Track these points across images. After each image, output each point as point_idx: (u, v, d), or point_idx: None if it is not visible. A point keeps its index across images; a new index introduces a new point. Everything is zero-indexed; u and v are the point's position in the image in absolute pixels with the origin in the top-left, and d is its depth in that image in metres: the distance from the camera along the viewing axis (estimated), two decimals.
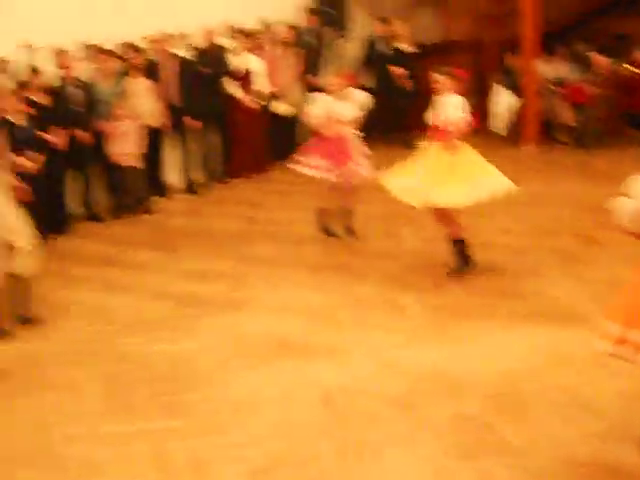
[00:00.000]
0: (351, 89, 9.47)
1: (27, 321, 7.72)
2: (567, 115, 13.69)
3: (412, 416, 5.94)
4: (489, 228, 9.76)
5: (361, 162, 9.43)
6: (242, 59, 12.24)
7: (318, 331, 7.39)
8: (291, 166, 9.61)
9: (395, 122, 13.77)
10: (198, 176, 12.29)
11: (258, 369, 6.77)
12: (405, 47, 13.80)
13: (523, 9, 13.39)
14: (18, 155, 9.11)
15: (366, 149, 9.51)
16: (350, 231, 9.66)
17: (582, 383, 6.26)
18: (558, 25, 15.18)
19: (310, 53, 13.37)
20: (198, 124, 11.88)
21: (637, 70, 13.37)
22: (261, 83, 12.38)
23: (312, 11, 13.66)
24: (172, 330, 7.60)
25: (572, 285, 8.12)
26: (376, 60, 13.83)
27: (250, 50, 12.44)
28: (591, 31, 15.05)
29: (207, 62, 11.97)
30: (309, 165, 9.41)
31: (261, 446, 5.70)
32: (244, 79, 12.21)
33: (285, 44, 12.99)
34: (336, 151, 9.29)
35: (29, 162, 9.34)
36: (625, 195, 5.31)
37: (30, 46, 10.49)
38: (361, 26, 14.39)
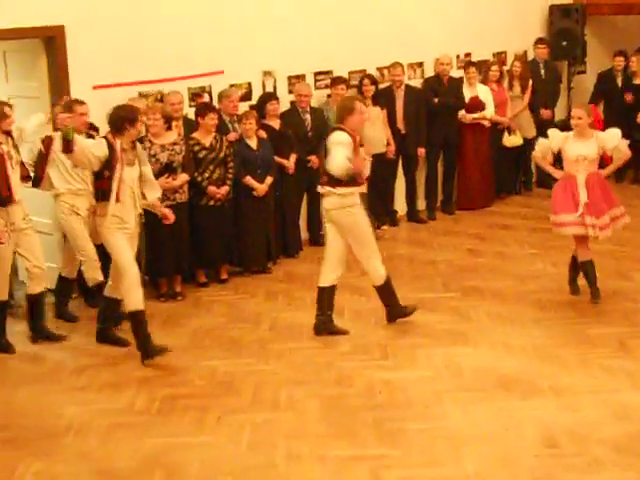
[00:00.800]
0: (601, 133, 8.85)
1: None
2: None
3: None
4: None
5: (611, 213, 8.64)
6: (473, 90, 12.21)
7: (541, 369, 7.24)
8: (553, 227, 8.75)
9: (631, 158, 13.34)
10: (424, 206, 12.32)
11: (477, 404, 6.70)
12: None
13: None
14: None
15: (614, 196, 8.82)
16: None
17: None
18: None
19: (542, 85, 13.17)
20: (424, 153, 11.95)
21: None
22: (490, 114, 12.31)
23: (545, 43, 13.45)
24: (392, 357, 7.65)
25: None
26: (612, 94, 13.47)
27: (481, 81, 12.40)
28: None
29: (438, 92, 12.01)
30: (560, 223, 8.62)
31: None
32: (474, 110, 12.17)
33: (516, 76, 12.85)
34: (574, 198, 8.53)
35: (257, 183, 9.77)
36: None
37: (269, 73, 10.84)
38: (597, 59, 14.07)
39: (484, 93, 12.29)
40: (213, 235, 9.63)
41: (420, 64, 12.30)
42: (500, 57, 13.18)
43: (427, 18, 12.32)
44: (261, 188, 9.89)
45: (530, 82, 12.88)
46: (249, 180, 9.84)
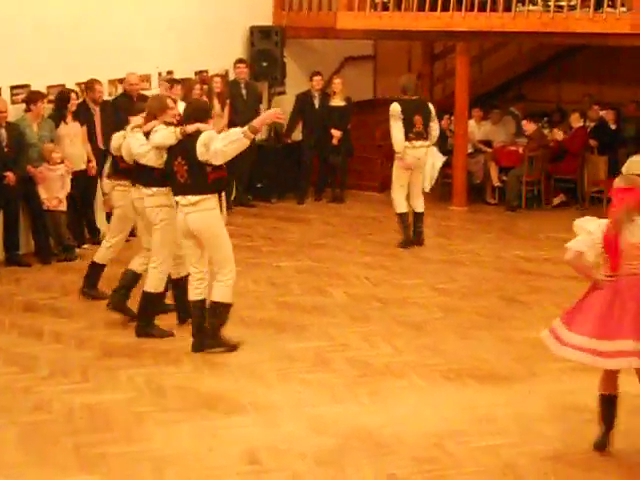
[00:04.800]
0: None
1: None
2: (494, 176, 13.91)
3: (339, 476, 5.88)
4: (417, 287, 9.81)
5: None
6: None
7: (243, 386, 7.30)
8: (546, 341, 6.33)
9: (327, 177, 13.90)
10: None
11: (180, 424, 6.64)
12: (339, 103, 13.89)
13: (457, 70, 13.57)
14: None
15: None
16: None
17: (506, 445, 6.28)
18: (492, 86, 15.50)
19: (243, 105, 13.39)
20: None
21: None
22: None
23: (245, 63, 13.69)
24: (93, 379, 7.45)
25: (497, 345, 8.18)
26: (310, 115, 13.92)
27: (182, 99, 12.43)
28: (524, 93, 15.42)
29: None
30: (569, 343, 6.08)
31: None
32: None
33: (215, 94, 12.98)
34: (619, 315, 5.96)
35: None
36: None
37: None
38: (296, 81, 14.47)
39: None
40: None
41: (121, 80, 12.13)
42: (202, 76, 13.25)
43: (129, 35, 12.19)
44: None
45: (228, 100, 13.06)
46: None
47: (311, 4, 14.59)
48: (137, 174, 8.24)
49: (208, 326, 7.93)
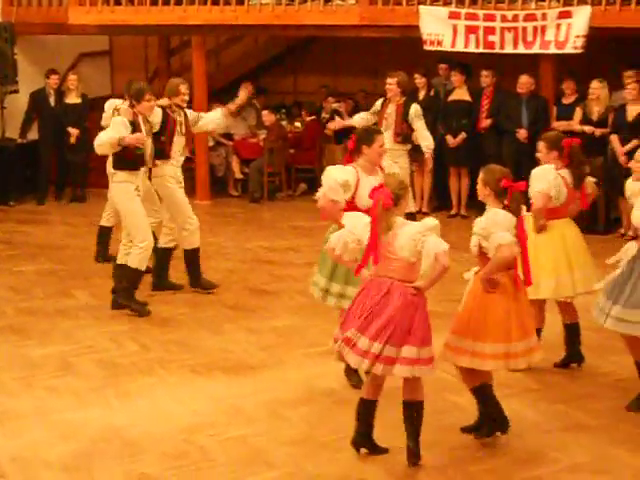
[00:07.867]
0: None
1: None
2: (236, 168, 14.06)
3: None
4: None
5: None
6: None
7: None
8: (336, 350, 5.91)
9: (66, 177, 13.58)
10: None
11: None
12: (75, 100, 13.60)
13: (193, 64, 13.59)
14: None
15: None
16: None
17: (255, 433, 6.37)
18: (230, 80, 15.60)
19: None
20: None
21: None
22: None
23: None
24: None
25: (243, 336, 8.27)
26: (46, 114, 13.56)
27: None
28: (263, 85, 15.64)
29: None
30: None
31: None
32: None
33: None
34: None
35: None
36: None
37: None
38: (29, 79, 14.01)
39: None
40: None
41: None
42: None
43: None
44: None
45: None
46: None
47: None
48: None
49: (119, 288, 8.83)
